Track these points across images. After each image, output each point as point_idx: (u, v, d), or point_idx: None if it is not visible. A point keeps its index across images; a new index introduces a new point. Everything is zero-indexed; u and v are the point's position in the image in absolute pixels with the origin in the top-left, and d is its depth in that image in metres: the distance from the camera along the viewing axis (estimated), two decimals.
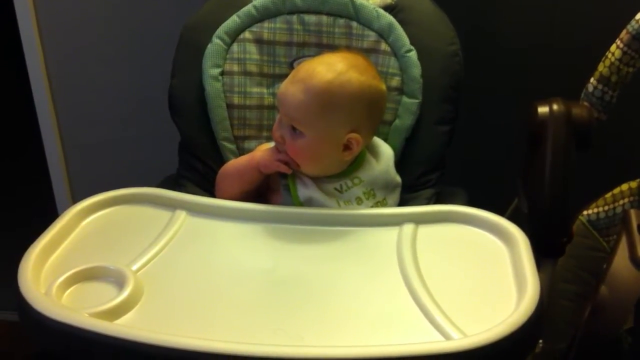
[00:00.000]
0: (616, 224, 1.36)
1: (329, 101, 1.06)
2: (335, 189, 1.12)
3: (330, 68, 1.07)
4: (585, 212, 1.41)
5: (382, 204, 1.14)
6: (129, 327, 0.84)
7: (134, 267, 0.94)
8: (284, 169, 1.10)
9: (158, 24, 1.71)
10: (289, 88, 1.08)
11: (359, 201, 1.12)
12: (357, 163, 1.14)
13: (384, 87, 1.14)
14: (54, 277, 0.90)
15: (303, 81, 1.07)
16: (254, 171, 1.14)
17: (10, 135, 2.83)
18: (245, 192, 1.14)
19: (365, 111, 1.10)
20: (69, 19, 1.76)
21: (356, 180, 1.13)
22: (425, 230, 1.04)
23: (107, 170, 1.87)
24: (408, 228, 1.03)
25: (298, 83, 1.07)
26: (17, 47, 1.77)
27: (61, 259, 0.97)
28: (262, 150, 1.15)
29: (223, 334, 0.82)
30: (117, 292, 0.88)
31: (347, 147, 1.10)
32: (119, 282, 0.90)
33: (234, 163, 1.19)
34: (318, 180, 1.12)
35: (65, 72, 1.80)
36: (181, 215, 1.07)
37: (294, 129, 1.08)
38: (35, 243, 0.96)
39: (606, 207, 1.39)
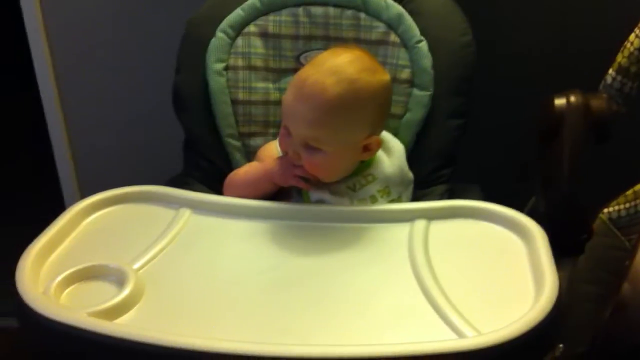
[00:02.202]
0: (638, 222, 1.31)
1: (345, 114, 1.00)
2: (348, 187, 1.08)
3: (340, 78, 0.99)
4: (605, 210, 1.36)
5: (397, 202, 1.11)
6: (129, 326, 0.81)
7: (136, 266, 0.92)
8: (303, 185, 1.05)
9: (165, 28, 1.68)
10: (297, 107, 1.00)
11: (373, 200, 1.08)
12: (368, 160, 1.10)
13: (389, 78, 1.07)
14: (53, 276, 0.87)
15: (313, 98, 0.98)
16: (268, 183, 1.09)
17: (19, 138, 2.82)
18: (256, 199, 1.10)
19: (379, 111, 1.06)
20: (77, 23, 1.75)
21: (370, 178, 1.09)
22: (437, 226, 1.00)
23: (116, 173, 1.85)
24: (420, 224, 1.00)
25: (307, 100, 0.99)
26: (26, 53, 1.77)
27: (61, 257, 0.94)
28: (275, 161, 1.09)
29: (226, 333, 0.79)
30: (117, 291, 0.85)
31: (366, 148, 1.05)
32: (120, 280, 0.88)
33: (246, 173, 1.13)
34: (330, 184, 1.07)
35: (73, 76, 1.79)
36: (185, 213, 1.04)
37: (308, 144, 1.02)
38: (34, 242, 0.93)
39: (627, 205, 1.34)
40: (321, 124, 0.99)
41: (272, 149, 1.14)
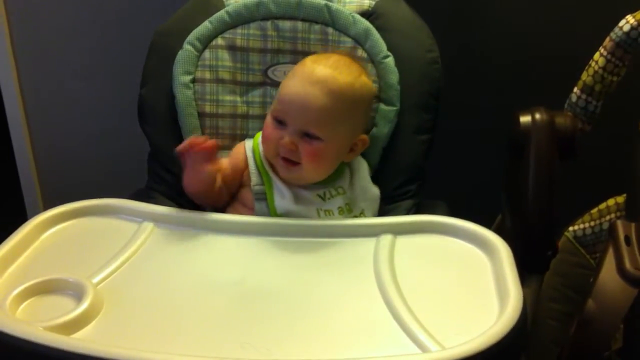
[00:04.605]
0: (602, 240, 1.32)
1: (352, 104, 1.05)
2: (319, 195, 1.08)
3: (348, 70, 1.05)
4: (570, 228, 1.38)
5: (361, 217, 1.10)
6: (86, 341, 0.78)
7: (95, 280, 0.89)
8: (182, 146, 1.03)
9: (133, 40, 1.68)
10: (306, 91, 1.02)
11: (341, 211, 1.08)
12: (338, 172, 1.11)
13: None
14: (9, 290, 0.85)
15: (326, 82, 1.02)
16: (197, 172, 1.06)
17: None
18: (205, 192, 1.08)
19: (369, 113, 1.13)
20: (43, 35, 1.74)
21: (340, 190, 1.10)
22: (403, 241, 1.00)
23: (80, 186, 1.83)
24: (385, 239, 0.99)
25: (320, 84, 1.02)
26: None
27: (19, 270, 0.92)
28: None
29: (187, 348, 0.78)
30: (75, 305, 0.83)
31: (351, 149, 1.09)
32: (78, 294, 0.85)
33: None
34: (298, 190, 1.08)
35: (38, 86, 1.78)
36: (148, 227, 1.02)
37: (306, 133, 1.03)
38: None
39: (592, 223, 1.35)
40: (332, 109, 1.03)
41: (239, 149, 1.14)
